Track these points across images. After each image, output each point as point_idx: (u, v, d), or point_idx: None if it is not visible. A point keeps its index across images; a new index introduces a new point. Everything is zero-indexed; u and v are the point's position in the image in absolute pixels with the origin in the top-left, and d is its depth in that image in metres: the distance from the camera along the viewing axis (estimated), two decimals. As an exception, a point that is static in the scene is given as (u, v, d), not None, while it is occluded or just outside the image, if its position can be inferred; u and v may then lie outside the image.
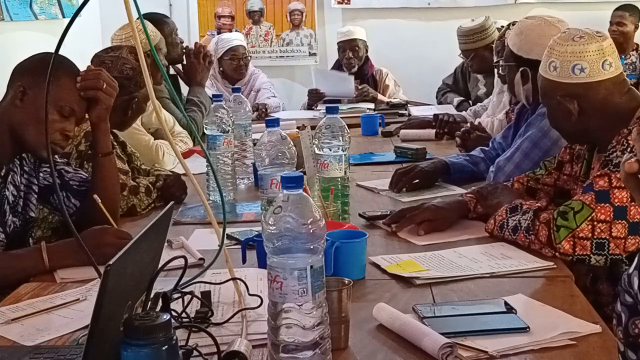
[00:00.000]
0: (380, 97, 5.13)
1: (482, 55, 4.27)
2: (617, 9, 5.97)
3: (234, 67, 4.98)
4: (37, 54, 2.11)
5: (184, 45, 4.25)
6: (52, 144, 2.00)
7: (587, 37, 1.99)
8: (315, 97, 5.13)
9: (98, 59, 2.61)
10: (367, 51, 5.35)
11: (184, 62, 4.20)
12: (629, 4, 5.98)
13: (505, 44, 2.76)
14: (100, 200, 2.00)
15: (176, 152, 1.59)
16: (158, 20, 4.04)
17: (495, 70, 3.65)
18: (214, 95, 2.77)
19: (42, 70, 1.97)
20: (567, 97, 1.99)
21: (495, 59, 3.36)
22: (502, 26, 4.47)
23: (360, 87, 5.09)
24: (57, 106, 2.03)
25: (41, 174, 2.18)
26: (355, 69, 5.28)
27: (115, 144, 2.46)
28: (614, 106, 1.98)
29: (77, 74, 2.11)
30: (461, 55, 4.59)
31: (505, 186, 2.27)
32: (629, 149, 1.88)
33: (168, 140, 1.57)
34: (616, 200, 1.83)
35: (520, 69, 2.60)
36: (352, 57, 5.26)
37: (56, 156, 2.19)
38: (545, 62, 2.04)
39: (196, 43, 4.38)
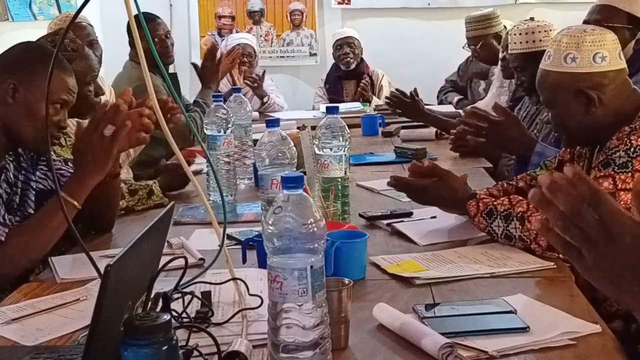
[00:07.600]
0: (375, 99, 5.13)
1: (490, 43, 4.39)
2: None
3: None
4: (17, 45, 2.08)
5: (213, 44, 4.27)
6: (50, 137, 2.02)
7: (598, 29, 1.98)
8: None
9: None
10: (361, 52, 5.37)
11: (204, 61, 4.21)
12: None
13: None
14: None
15: (176, 152, 1.59)
16: (148, 20, 4.05)
17: (500, 62, 3.67)
18: (213, 95, 2.77)
19: (30, 64, 2.01)
20: (589, 89, 1.94)
21: (502, 53, 3.37)
22: (505, 26, 4.50)
23: (360, 88, 5.11)
24: (50, 100, 2.01)
25: (38, 172, 2.14)
26: (354, 65, 5.30)
27: None
28: (622, 102, 1.96)
29: (65, 65, 2.09)
30: (466, 47, 4.60)
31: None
32: (631, 149, 1.88)
33: (168, 140, 1.56)
34: (621, 203, 1.80)
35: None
36: (349, 52, 5.28)
37: (53, 155, 2.17)
38: (558, 56, 1.98)
39: (236, 47, 4.44)
